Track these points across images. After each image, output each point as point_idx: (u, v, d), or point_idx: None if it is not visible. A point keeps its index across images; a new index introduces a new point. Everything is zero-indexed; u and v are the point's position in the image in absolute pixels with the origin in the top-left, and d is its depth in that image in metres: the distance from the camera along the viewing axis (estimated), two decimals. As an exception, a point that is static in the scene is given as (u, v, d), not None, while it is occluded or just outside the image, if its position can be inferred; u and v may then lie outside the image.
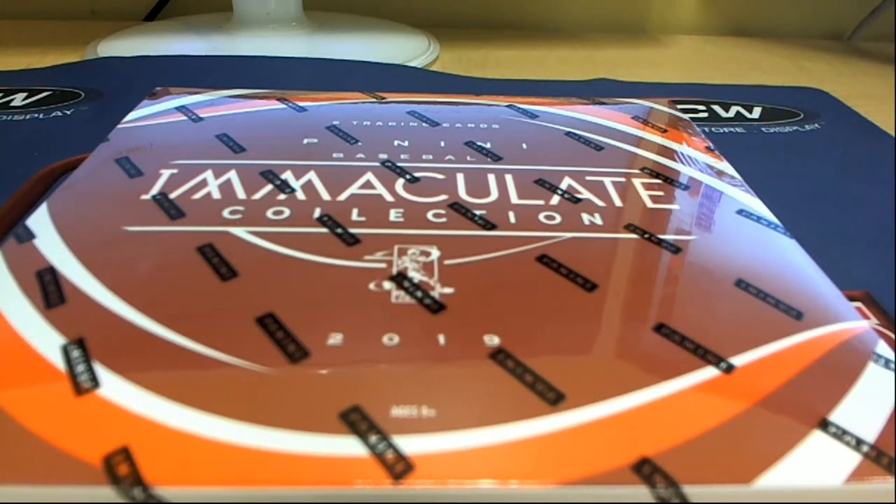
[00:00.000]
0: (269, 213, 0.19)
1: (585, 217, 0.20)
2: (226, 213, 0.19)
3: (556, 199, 0.21)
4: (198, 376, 0.13)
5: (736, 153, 0.31)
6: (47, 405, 0.12)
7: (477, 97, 0.29)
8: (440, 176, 0.22)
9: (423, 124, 0.26)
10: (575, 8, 0.56)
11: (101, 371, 0.13)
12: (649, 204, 0.21)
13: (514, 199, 0.21)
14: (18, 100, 0.34)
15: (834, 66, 0.48)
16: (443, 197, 0.20)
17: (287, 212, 0.19)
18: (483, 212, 0.20)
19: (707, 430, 0.13)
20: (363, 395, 0.13)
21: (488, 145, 0.24)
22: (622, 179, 0.22)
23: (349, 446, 0.12)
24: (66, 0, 0.53)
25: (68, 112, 0.32)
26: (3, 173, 0.26)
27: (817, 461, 0.12)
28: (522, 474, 0.12)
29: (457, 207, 0.20)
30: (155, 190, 0.20)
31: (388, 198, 0.20)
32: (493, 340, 0.15)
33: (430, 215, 0.19)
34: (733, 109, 0.36)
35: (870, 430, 0.13)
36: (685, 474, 0.12)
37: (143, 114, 0.26)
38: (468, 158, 0.23)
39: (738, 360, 0.14)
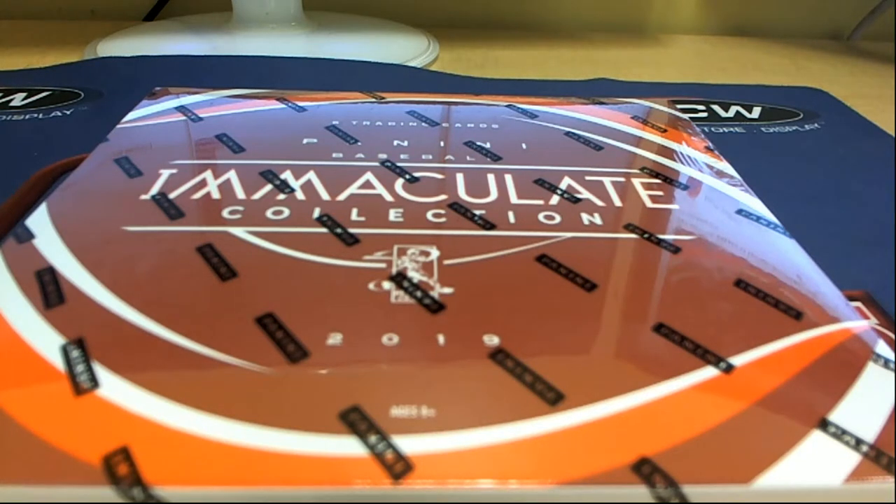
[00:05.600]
0: (269, 213, 0.19)
1: (585, 217, 0.20)
2: (225, 213, 0.19)
3: (555, 199, 0.21)
4: (197, 376, 0.13)
5: (736, 153, 0.31)
6: (47, 405, 0.12)
7: (477, 97, 0.29)
8: (440, 176, 0.22)
9: (423, 124, 0.26)
10: (575, 8, 0.56)
11: (101, 371, 0.13)
12: (649, 204, 0.21)
13: (514, 198, 0.21)
14: (18, 100, 0.34)
15: (834, 66, 0.48)
16: (442, 197, 0.20)
17: (286, 212, 0.19)
18: (482, 212, 0.20)
19: (706, 430, 0.13)
20: (363, 395, 0.13)
21: (488, 145, 0.24)
22: (622, 179, 0.22)
23: (349, 446, 0.12)
24: (66, 0, 0.53)
25: (68, 112, 0.32)
26: (3, 173, 0.26)
27: (817, 461, 0.12)
28: (522, 474, 0.12)
29: (456, 207, 0.20)
30: (154, 190, 0.20)
31: (388, 198, 0.20)
32: (492, 340, 0.15)
33: (429, 215, 0.19)
34: (733, 109, 0.36)
35: (869, 430, 0.13)
36: (684, 474, 0.12)
37: (143, 114, 0.26)
38: (468, 158, 0.23)
39: (737, 360, 0.14)
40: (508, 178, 0.22)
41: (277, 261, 0.17)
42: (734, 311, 0.16)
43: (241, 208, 0.19)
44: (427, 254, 0.18)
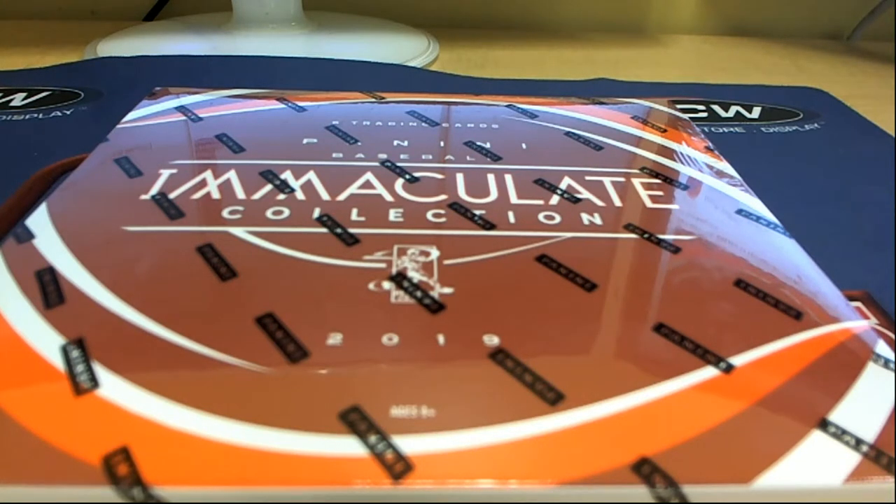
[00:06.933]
0: (269, 213, 0.19)
1: (585, 217, 0.20)
2: (225, 213, 0.19)
3: (555, 199, 0.21)
4: (197, 376, 0.13)
5: (736, 153, 0.31)
6: (47, 405, 0.12)
7: (477, 97, 0.29)
8: (440, 176, 0.22)
9: (423, 124, 0.26)
10: (575, 8, 0.56)
11: (101, 371, 0.13)
12: (649, 204, 0.21)
13: (514, 198, 0.21)
14: (18, 100, 0.34)
15: (834, 66, 0.48)
16: (442, 197, 0.20)
17: (286, 212, 0.19)
18: (482, 212, 0.20)
19: (707, 430, 0.13)
20: (363, 395, 0.13)
21: (488, 145, 0.24)
22: (622, 179, 0.22)
23: (349, 446, 0.12)
24: (66, 0, 0.53)
25: (68, 112, 0.32)
26: (3, 173, 0.26)
27: (817, 461, 0.12)
28: (522, 474, 0.12)
29: (456, 207, 0.20)
30: (154, 190, 0.20)
31: (388, 198, 0.20)
32: (492, 340, 0.15)
33: (429, 215, 0.19)
34: (733, 109, 0.36)
35: (869, 430, 0.13)
36: (684, 474, 0.12)
37: (143, 114, 0.26)
38: (468, 158, 0.23)
39: (737, 360, 0.14)
40: (508, 178, 0.22)
41: (277, 261, 0.17)
42: (734, 311, 0.16)
43: (241, 208, 0.19)
44: (427, 254, 0.18)
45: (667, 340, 0.15)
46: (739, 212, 0.20)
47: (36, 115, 0.32)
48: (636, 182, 0.22)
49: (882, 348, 0.15)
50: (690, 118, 0.34)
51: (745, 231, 0.19)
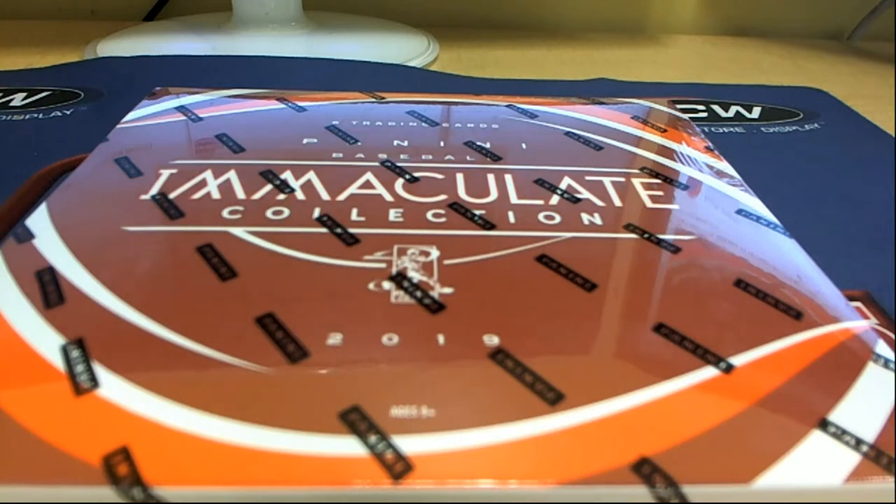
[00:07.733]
0: (269, 213, 0.19)
1: (585, 217, 0.20)
2: (225, 213, 0.19)
3: (555, 199, 0.21)
4: (197, 376, 0.13)
5: (735, 153, 0.31)
6: (47, 405, 0.12)
7: (477, 97, 0.29)
8: (440, 176, 0.22)
9: (423, 124, 0.26)
10: (575, 8, 0.56)
11: (101, 371, 0.13)
12: (649, 204, 0.21)
13: (514, 198, 0.21)
14: (18, 100, 0.34)
15: (834, 66, 0.48)
16: (442, 197, 0.20)
17: (286, 212, 0.19)
18: (482, 212, 0.20)
19: (706, 430, 0.13)
20: (362, 395, 0.13)
21: (488, 145, 0.24)
22: (622, 179, 0.22)
23: (349, 446, 0.12)
24: (66, 0, 0.53)
25: (68, 112, 0.32)
26: (3, 173, 0.26)
27: (817, 461, 0.12)
28: (522, 474, 0.12)
29: (456, 207, 0.20)
30: (154, 190, 0.20)
31: (388, 198, 0.20)
32: (492, 340, 0.15)
33: (429, 215, 0.19)
34: (733, 109, 0.36)
35: (869, 430, 0.13)
36: (684, 474, 0.12)
37: (143, 114, 0.26)
38: (468, 158, 0.23)
39: (737, 360, 0.14)
40: (508, 178, 0.22)
41: (277, 261, 0.17)
42: (734, 311, 0.16)
43: (241, 208, 0.19)
44: (427, 254, 0.18)
45: (667, 340, 0.15)
46: (739, 212, 0.20)
47: (36, 115, 0.32)
48: (636, 182, 0.22)
49: (882, 348, 0.15)
50: (690, 118, 0.34)
51: (745, 231, 0.19)
